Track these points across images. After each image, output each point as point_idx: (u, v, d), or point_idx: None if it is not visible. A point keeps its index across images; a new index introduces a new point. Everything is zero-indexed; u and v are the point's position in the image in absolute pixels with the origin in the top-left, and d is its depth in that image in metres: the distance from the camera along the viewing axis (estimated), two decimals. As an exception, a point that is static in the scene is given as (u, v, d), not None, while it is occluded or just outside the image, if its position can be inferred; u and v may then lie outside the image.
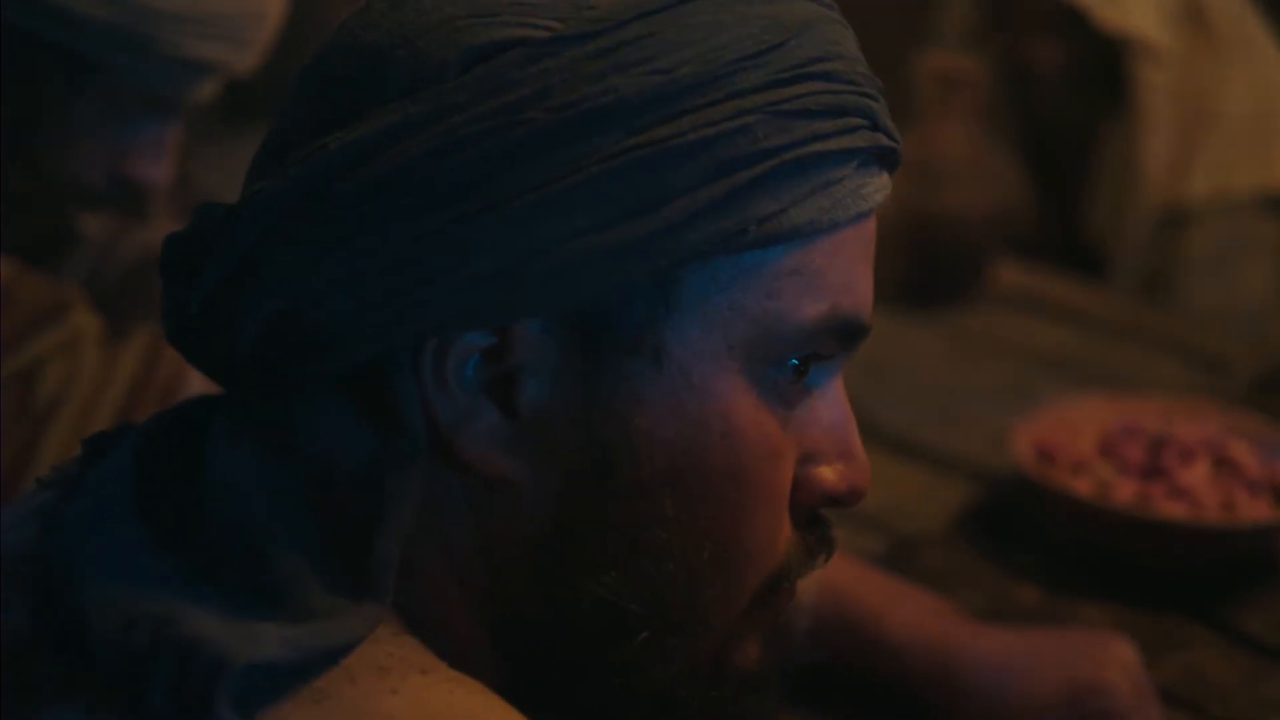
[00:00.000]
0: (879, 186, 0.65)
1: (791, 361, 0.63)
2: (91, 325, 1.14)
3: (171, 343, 0.67)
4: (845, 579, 1.08)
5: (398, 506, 0.61)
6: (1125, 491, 1.29)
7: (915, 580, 1.17)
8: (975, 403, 1.63)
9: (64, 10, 1.10)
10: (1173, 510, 1.27)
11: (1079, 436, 1.37)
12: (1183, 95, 2.11)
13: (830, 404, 0.66)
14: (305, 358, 0.62)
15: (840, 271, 0.64)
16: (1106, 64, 2.10)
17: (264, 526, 0.61)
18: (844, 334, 0.65)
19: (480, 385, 0.62)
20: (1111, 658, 1.04)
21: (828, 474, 0.66)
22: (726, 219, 0.60)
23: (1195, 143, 2.14)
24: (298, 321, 0.61)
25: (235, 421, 0.64)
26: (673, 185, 0.59)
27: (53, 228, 1.21)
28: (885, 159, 0.66)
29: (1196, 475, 1.30)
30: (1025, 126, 2.17)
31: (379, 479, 0.61)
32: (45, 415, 1.09)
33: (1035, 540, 1.32)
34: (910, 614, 1.07)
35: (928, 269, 1.87)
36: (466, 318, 0.60)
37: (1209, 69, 2.13)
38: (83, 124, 1.16)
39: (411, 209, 0.59)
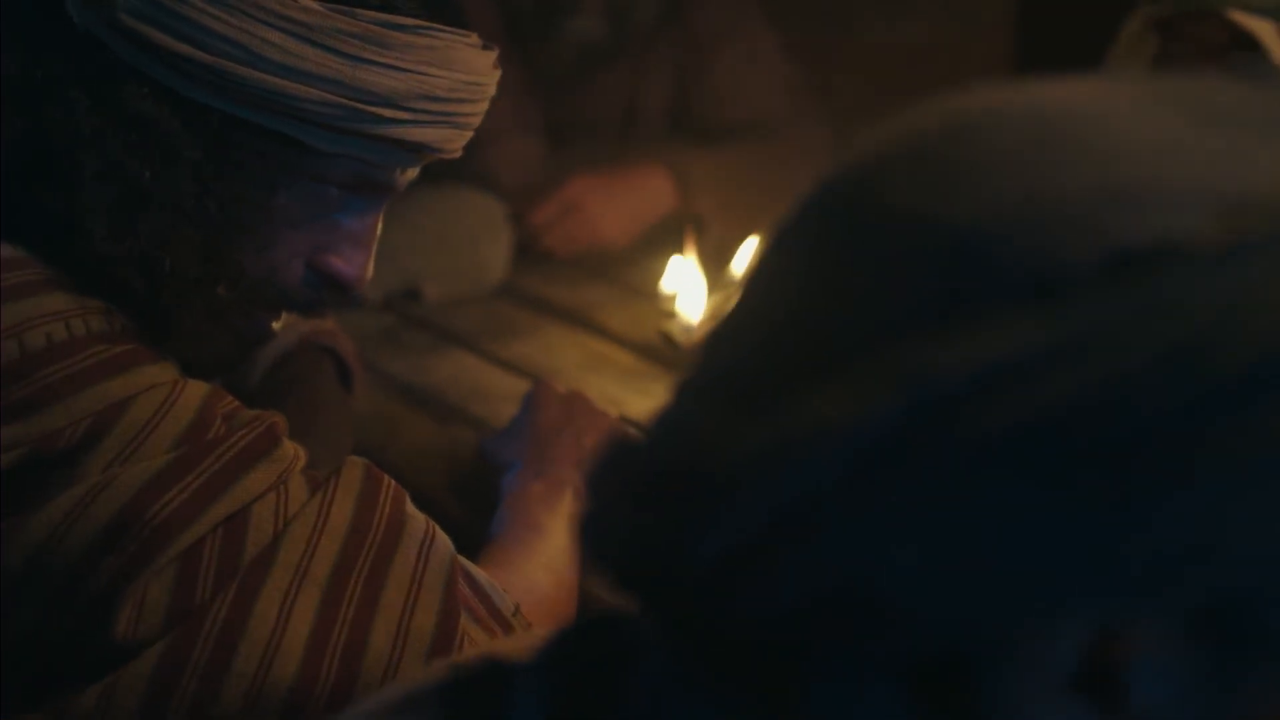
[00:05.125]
0: None
1: None
2: (298, 456, 0.98)
3: (617, 584, 0.53)
4: None
5: None
6: None
7: None
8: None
9: (281, 95, 0.95)
10: None
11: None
12: None
13: None
14: (855, 639, 0.48)
15: None
16: None
17: None
18: None
19: (1081, 685, 0.48)
20: None
21: None
22: None
23: None
24: (857, 596, 0.47)
25: (712, 699, 0.52)
26: None
27: (240, 333, 1.05)
28: None
29: None
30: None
31: None
32: (258, 568, 0.92)
33: None
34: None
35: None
36: (1078, 606, 0.47)
37: None
38: (284, 215, 1.00)
39: (1043, 469, 0.45)
